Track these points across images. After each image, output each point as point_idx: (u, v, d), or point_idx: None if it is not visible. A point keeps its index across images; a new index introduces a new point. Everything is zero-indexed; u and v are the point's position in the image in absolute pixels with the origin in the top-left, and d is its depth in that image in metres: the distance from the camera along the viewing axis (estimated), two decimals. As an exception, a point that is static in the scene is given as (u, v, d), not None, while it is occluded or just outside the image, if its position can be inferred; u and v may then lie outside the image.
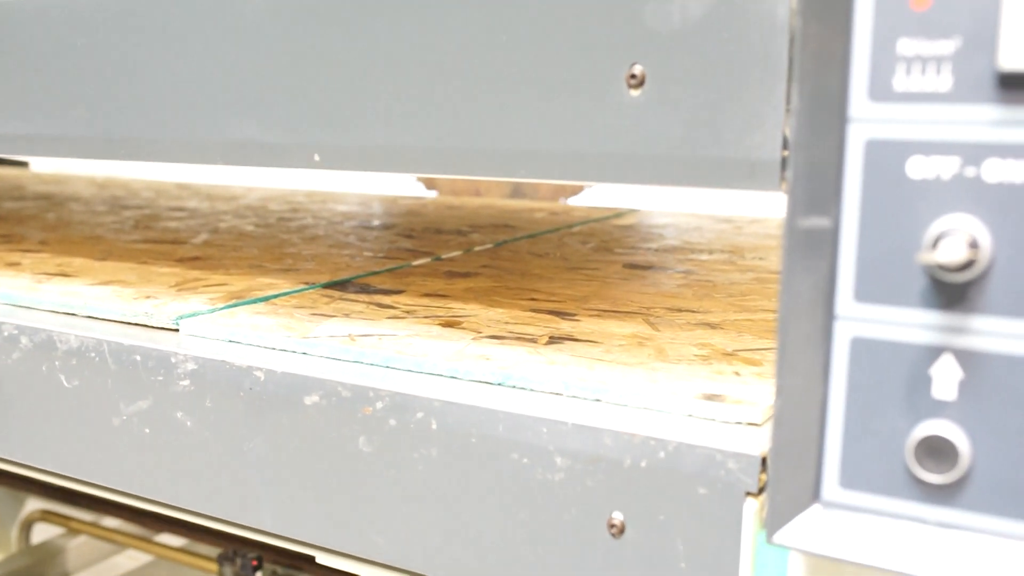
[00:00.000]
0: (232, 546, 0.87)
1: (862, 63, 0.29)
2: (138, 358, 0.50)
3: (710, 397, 0.40)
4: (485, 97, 0.42)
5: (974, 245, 0.28)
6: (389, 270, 0.68)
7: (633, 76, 0.39)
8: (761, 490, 0.36)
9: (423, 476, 0.43)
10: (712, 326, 0.53)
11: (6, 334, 0.55)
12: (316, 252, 0.76)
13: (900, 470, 0.29)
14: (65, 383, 0.54)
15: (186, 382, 0.49)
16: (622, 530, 0.39)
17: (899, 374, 0.30)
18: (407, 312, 0.55)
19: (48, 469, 0.56)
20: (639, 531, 0.39)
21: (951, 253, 0.27)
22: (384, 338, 0.49)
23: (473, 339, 0.49)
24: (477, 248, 0.79)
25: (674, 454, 0.37)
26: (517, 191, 1.67)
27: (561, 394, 0.42)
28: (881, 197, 0.29)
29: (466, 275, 0.67)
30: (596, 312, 0.56)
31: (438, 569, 0.43)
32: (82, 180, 1.40)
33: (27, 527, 1.14)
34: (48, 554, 1.09)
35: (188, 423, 0.49)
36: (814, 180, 0.30)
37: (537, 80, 0.41)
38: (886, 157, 0.29)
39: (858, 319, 0.30)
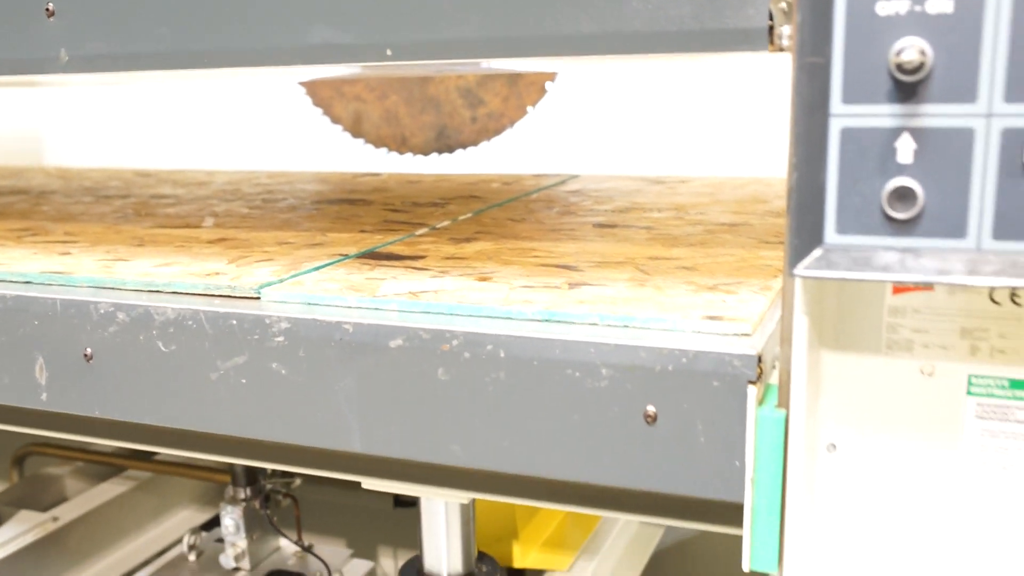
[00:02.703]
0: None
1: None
2: (234, 322, 0.61)
3: (712, 318, 0.54)
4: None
5: (923, 53, 0.41)
6: (400, 239, 0.80)
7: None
8: (759, 378, 0.50)
9: (494, 394, 0.55)
10: (689, 268, 0.67)
11: (102, 311, 0.65)
12: (323, 227, 0.87)
13: (877, 214, 0.43)
14: (162, 348, 0.64)
15: (280, 338, 0.60)
16: (655, 418, 0.53)
17: (874, 149, 0.43)
18: (442, 272, 0.67)
19: (147, 422, 0.66)
20: (668, 418, 0.52)
21: (909, 56, 0.41)
22: (440, 293, 0.61)
23: (511, 289, 0.62)
24: (461, 217, 0.91)
25: (694, 359, 0.51)
26: (442, 134, 1.75)
27: (597, 324, 0.56)
28: (858, 30, 0.43)
29: (468, 240, 0.79)
30: (593, 264, 0.69)
31: (509, 466, 0.56)
32: (36, 172, 1.45)
33: (19, 462, 1.20)
34: (44, 482, 1.16)
35: (283, 371, 0.61)
36: (813, 26, 0.43)
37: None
38: (860, 3, 0.42)
39: (845, 115, 0.43)
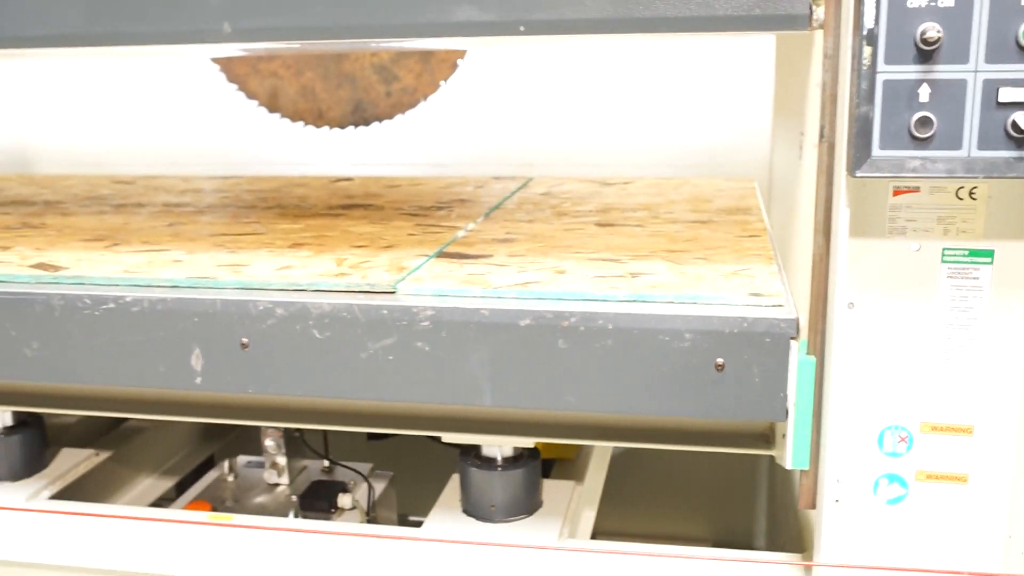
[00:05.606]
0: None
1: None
2: (385, 312, 0.79)
3: (755, 294, 0.77)
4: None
5: (938, 31, 0.65)
6: (453, 241, 0.99)
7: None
8: (796, 335, 0.73)
9: (603, 357, 0.76)
10: (705, 259, 0.89)
11: (261, 308, 0.81)
12: (374, 231, 1.03)
13: (906, 136, 0.67)
14: (317, 335, 0.80)
15: (426, 323, 0.78)
16: (723, 367, 0.75)
17: (905, 93, 0.67)
18: (522, 268, 0.87)
19: (300, 395, 0.82)
20: (733, 366, 0.75)
21: (931, 33, 0.65)
22: (542, 282, 0.81)
23: (590, 279, 0.82)
24: (479, 220, 1.10)
25: (752, 322, 0.74)
26: (358, 108, 1.87)
27: (673, 302, 0.77)
28: (896, 16, 0.66)
29: (506, 240, 0.99)
30: (630, 256, 0.90)
31: (613, 409, 0.77)
32: (8, 180, 1.51)
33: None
34: (58, 429, 1.24)
35: (427, 348, 0.79)
36: (865, 15, 0.66)
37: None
38: (898, 2, 0.66)
39: (886, 71, 0.67)
